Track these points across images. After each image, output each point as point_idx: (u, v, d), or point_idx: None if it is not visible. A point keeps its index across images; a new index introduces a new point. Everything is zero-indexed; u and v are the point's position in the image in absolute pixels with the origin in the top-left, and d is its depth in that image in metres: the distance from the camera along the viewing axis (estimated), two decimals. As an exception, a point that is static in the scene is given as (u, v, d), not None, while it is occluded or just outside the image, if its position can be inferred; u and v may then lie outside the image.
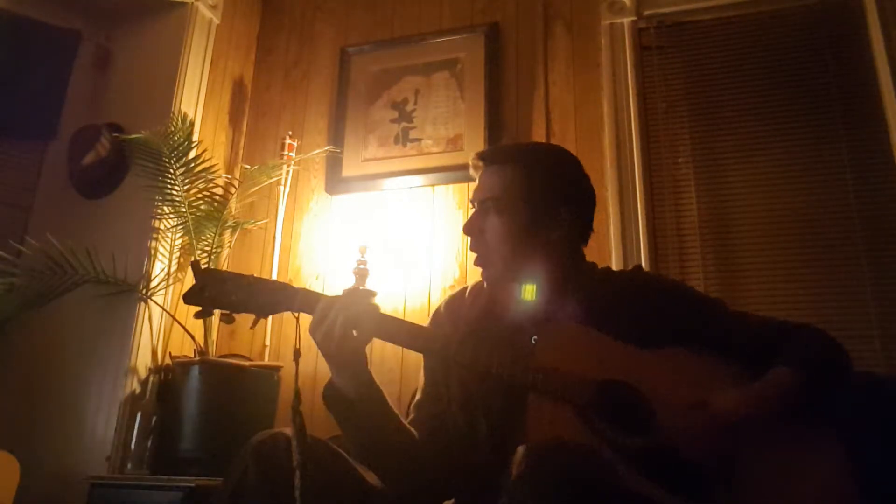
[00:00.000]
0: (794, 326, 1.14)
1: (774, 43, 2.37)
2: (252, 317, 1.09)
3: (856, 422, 1.07)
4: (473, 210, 1.26)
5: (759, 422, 1.02)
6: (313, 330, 1.06)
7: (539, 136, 2.44)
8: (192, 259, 1.10)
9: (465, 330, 1.23)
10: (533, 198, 1.21)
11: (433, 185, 2.51)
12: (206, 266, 1.06)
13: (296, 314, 1.09)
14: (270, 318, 2.45)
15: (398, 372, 2.27)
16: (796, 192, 2.21)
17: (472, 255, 1.25)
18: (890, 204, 2.11)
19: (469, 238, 1.25)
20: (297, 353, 1.09)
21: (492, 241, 1.21)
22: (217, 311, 1.07)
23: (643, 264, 2.18)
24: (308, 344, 1.08)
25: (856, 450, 1.01)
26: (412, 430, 1.21)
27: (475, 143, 2.48)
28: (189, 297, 1.06)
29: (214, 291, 1.06)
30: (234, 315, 1.07)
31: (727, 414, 1.02)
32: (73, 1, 2.66)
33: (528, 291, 1.21)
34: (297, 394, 1.06)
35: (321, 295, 1.08)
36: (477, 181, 1.27)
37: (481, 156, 1.28)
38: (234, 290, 1.06)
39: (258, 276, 1.09)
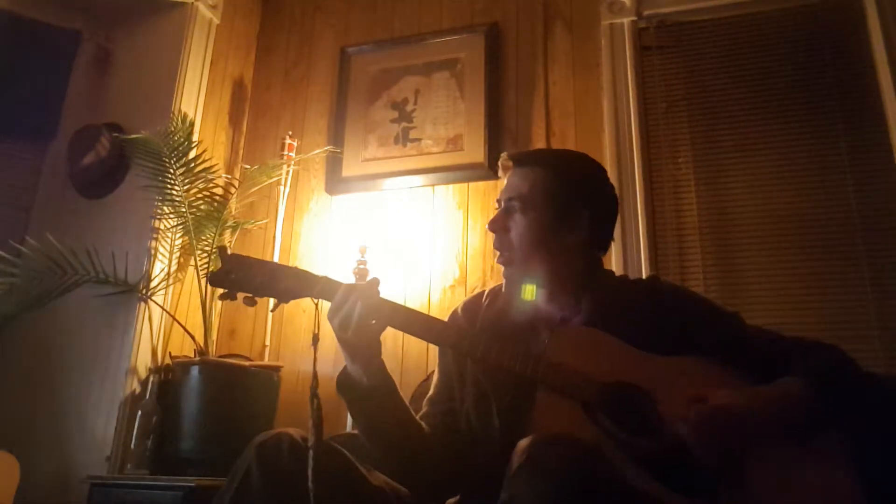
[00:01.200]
0: (809, 343, 1.15)
1: (774, 43, 2.37)
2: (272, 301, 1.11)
3: (856, 422, 1.06)
4: (498, 209, 1.29)
5: (762, 422, 1.02)
6: (331, 316, 1.09)
7: (539, 135, 2.44)
8: (219, 246, 1.14)
9: (480, 328, 1.25)
10: (557, 199, 1.23)
11: (433, 185, 2.51)
12: (231, 253, 1.09)
13: (315, 300, 1.12)
14: (270, 319, 2.47)
15: (398, 373, 2.27)
16: (796, 192, 2.21)
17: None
18: (890, 204, 2.11)
19: (494, 235, 1.27)
20: (315, 338, 1.12)
21: (515, 240, 1.23)
22: (240, 295, 1.11)
23: (643, 264, 2.18)
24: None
25: (857, 450, 1.01)
26: (423, 423, 1.23)
27: (475, 143, 2.48)
28: (215, 279, 1.10)
29: (239, 275, 1.10)
30: (256, 298, 1.11)
31: (727, 406, 1.01)
32: (73, 1, 2.66)
33: (543, 294, 1.24)
34: (316, 377, 1.08)
35: (341, 283, 1.11)
36: (505, 181, 1.30)
37: (511, 156, 1.31)
38: (258, 274, 1.10)
39: (281, 263, 1.10)
